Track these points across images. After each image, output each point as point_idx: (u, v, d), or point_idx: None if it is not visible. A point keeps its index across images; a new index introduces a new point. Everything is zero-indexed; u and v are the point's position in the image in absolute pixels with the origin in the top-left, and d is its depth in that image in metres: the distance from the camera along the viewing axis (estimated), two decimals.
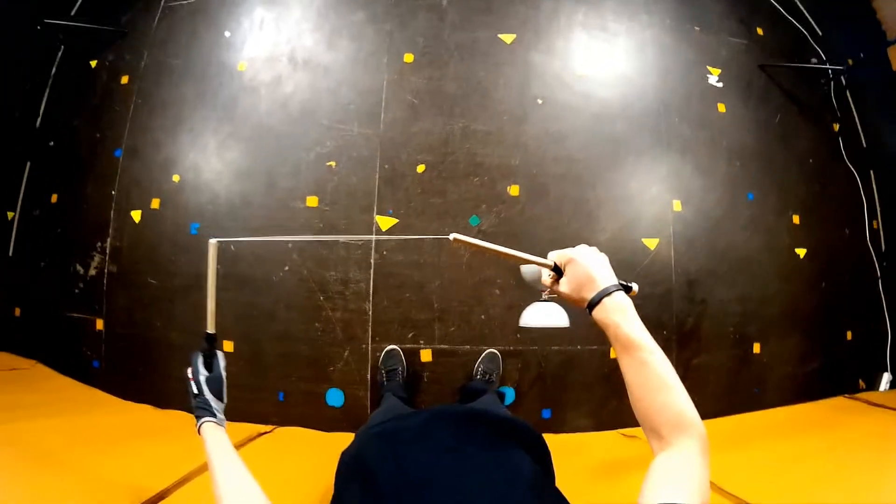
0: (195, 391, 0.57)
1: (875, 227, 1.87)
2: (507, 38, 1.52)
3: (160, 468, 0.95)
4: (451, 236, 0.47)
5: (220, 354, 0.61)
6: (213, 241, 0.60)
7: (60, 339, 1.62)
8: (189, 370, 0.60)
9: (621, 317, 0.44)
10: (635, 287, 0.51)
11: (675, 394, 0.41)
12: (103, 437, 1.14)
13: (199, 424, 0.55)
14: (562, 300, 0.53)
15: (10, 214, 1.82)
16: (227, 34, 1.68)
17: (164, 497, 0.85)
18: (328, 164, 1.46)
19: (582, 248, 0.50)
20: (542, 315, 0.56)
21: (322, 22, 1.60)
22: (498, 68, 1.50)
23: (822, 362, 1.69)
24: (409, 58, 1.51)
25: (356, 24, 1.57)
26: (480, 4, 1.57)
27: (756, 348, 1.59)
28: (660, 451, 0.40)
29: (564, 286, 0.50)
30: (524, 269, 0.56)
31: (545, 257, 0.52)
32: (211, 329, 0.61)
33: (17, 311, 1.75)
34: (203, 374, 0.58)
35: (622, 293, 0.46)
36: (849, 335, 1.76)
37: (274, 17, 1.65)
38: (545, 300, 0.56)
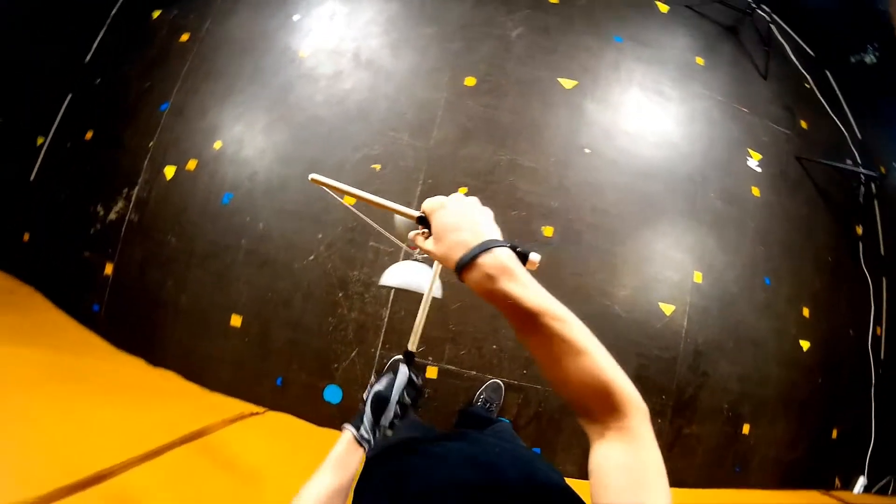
0: (364, 396, 0.53)
1: (878, 333, 1.97)
2: (567, 83, 1.62)
3: (129, 434, 0.91)
4: (310, 176, 0.44)
5: (402, 370, 0.54)
6: (437, 267, 0.53)
7: (65, 274, 1.63)
8: (382, 379, 0.54)
9: (507, 280, 0.35)
10: (535, 257, 0.41)
11: (595, 360, 0.34)
12: (83, 379, 1.10)
13: (343, 427, 0.51)
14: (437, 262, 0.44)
15: (39, 140, 1.86)
16: (295, 18, 1.76)
17: (110, 476, 0.77)
18: (373, 166, 1.54)
19: (454, 197, 0.42)
20: (404, 274, 0.50)
21: (391, 28, 1.69)
22: (552, 110, 1.59)
23: (805, 454, 1.77)
24: (470, 81, 1.60)
25: (424, 37, 1.66)
26: (547, 44, 1.67)
27: (745, 429, 1.66)
28: (598, 439, 0.35)
29: (431, 242, 0.41)
30: (398, 221, 0.49)
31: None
32: (412, 347, 0.56)
33: (27, 237, 1.77)
34: (378, 387, 0.53)
35: (506, 249, 0.37)
36: (834, 433, 1.85)
37: (346, 13, 1.73)
38: (417, 259, 0.51)
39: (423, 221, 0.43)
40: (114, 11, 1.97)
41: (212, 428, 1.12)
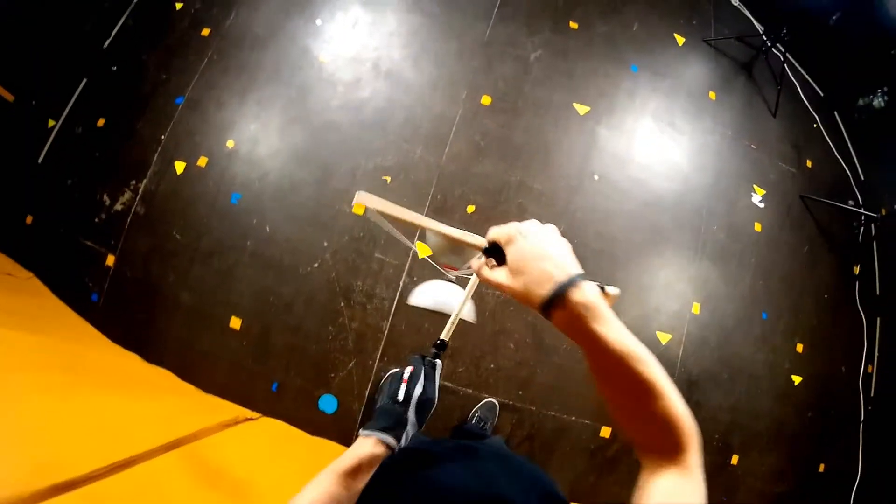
0: (401, 397, 0.48)
1: (870, 370, 2.02)
2: (582, 108, 1.65)
3: (120, 435, 0.88)
4: (356, 199, 0.40)
5: (439, 365, 0.52)
6: (470, 287, 0.51)
7: (65, 261, 1.63)
8: (408, 370, 0.51)
9: (595, 320, 0.33)
10: (614, 291, 0.40)
11: (671, 401, 0.35)
12: (77, 370, 1.08)
13: (363, 432, 0.46)
14: (512, 296, 0.40)
15: (50, 122, 1.86)
16: (318, 22, 1.78)
17: (94, 480, 0.74)
18: (384, 177, 1.56)
19: (533, 224, 0.39)
20: (437, 295, 0.46)
21: (413, 40, 1.71)
22: (566, 134, 1.62)
23: (791, 487, 1.80)
24: (486, 100, 1.63)
25: (445, 52, 1.69)
26: (565, 68, 1.70)
27: (734, 459, 1.69)
28: (655, 469, 0.35)
29: (505, 275, 0.37)
30: (430, 239, 0.46)
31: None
32: (446, 336, 0.53)
33: (29, 220, 1.77)
34: (421, 387, 0.49)
35: (593, 285, 0.36)
36: (821, 467, 1.89)
37: (369, 22, 1.76)
38: (451, 279, 0.47)
39: (492, 251, 0.39)
40: None
41: (205, 432, 1.12)
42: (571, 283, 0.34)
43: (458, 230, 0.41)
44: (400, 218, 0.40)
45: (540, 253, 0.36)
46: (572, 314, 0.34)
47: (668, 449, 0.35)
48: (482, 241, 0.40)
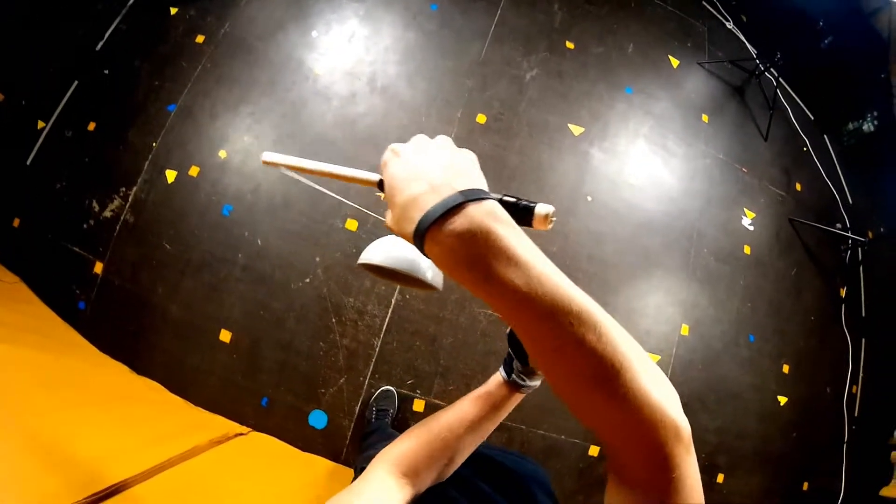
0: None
1: (854, 391, 2.08)
2: (577, 129, 1.69)
3: (116, 455, 0.89)
4: (263, 155, 0.38)
5: None
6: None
7: (52, 267, 1.62)
8: None
9: (495, 256, 0.23)
10: (544, 209, 0.29)
11: (636, 382, 0.23)
12: (64, 387, 1.07)
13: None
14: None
15: (40, 124, 1.85)
16: (314, 34, 1.80)
17: None
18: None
19: (415, 139, 0.31)
20: (390, 251, 0.39)
21: (409, 57, 1.74)
22: (560, 155, 1.66)
23: None
24: (481, 119, 1.66)
25: (440, 69, 1.72)
26: (560, 89, 1.74)
27: (720, 478, 1.74)
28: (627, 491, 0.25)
29: (389, 212, 0.29)
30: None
31: None
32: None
33: (17, 222, 1.75)
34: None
35: (489, 202, 0.25)
36: (805, 486, 1.94)
37: (365, 36, 1.78)
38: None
39: (381, 185, 0.32)
40: (131, 1, 1.98)
41: (196, 450, 1.14)
42: (451, 203, 0.24)
43: (353, 169, 0.36)
44: (305, 169, 0.38)
45: (415, 170, 0.27)
46: (450, 247, 0.23)
47: (640, 458, 0.24)
48: (374, 177, 0.34)
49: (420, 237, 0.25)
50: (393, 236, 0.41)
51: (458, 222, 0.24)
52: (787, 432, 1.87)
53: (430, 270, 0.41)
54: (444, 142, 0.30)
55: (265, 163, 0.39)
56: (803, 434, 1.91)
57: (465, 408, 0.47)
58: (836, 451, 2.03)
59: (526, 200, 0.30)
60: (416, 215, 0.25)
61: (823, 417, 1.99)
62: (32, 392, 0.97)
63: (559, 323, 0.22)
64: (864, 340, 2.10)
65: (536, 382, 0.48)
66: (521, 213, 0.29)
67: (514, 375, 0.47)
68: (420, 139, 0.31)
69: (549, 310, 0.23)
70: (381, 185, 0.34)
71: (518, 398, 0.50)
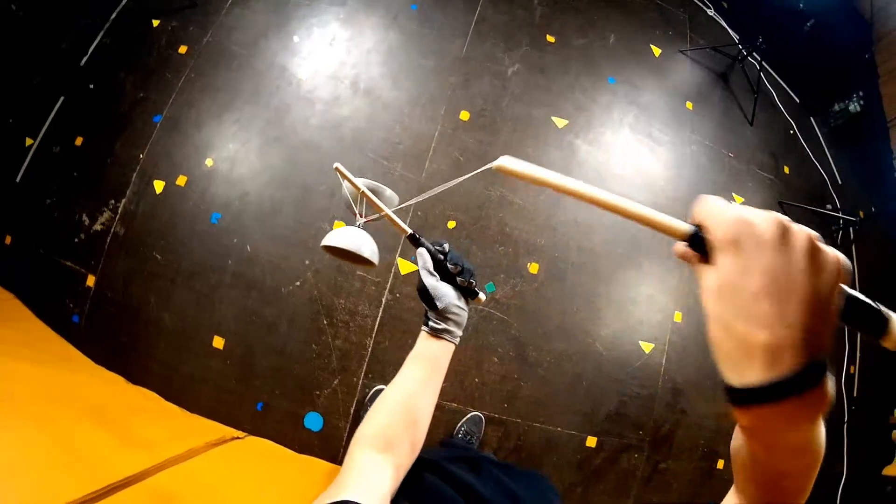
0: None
1: (852, 371, 2.09)
2: (560, 122, 1.71)
3: (114, 461, 0.91)
4: (498, 160, 0.34)
5: (421, 255, 0.53)
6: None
7: (45, 282, 1.65)
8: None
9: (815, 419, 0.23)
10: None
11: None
12: (61, 400, 1.09)
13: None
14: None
15: (28, 141, 1.87)
16: (295, 39, 1.82)
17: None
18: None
19: (770, 227, 0.23)
20: (348, 238, 0.51)
21: (391, 58, 1.76)
22: (545, 148, 1.68)
23: None
24: (465, 115, 1.68)
25: (423, 68, 1.74)
26: (542, 83, 1.76)
27: (720, 464, 1.75)
28: None
29: (712, 290, 0.24)
30: (345, 189, 0.52)
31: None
32: (408, 230, 0.54)
33: (8, 240, 1.77)
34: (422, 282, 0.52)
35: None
36: None
37: (346, 38, 1.80)
38: (360, 225, 0.52)
39: (696, 242, 0.27)
40: (113, 15, 2.00)
41: (192, 452, 1.16)
42: (821, 370, 0.21)
43: (652, 211, 0.29)
44: (557, 187, 0.32)
45: (771, 287, 0.21)
46: (786, 424, 0.22)
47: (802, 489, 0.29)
48: (686, 227, 0.28)
49: (783, 387, 0.21)
50: (348, 227, 0.52)
51: (816, 403, 0.21)
52: None
53: (368, 250, 0.52)
54: (807, 262, 0.22)
55: (499, 168, 0.34)
56: None
57: (408, 373, 0.51)
58: (837, 432, 2.04)
59: (874, 304, 0.23)
60: (789, 358, 0.21)
61: None
62: (29, 404, 0.99)
63: (816, 463, 0.28)
64: None
65: (453, 328, 0.53)
66: (866, 320, 0.23)
67: (431, 323, 0.53)
68: (773, 227, 0.22)
69: (818, 456, 0.27)
70: (693, 240, 0.27)
71: (448, 347, 0.53)
